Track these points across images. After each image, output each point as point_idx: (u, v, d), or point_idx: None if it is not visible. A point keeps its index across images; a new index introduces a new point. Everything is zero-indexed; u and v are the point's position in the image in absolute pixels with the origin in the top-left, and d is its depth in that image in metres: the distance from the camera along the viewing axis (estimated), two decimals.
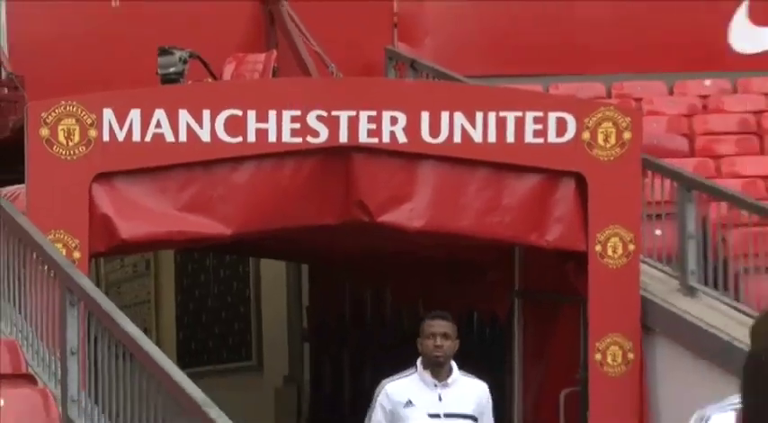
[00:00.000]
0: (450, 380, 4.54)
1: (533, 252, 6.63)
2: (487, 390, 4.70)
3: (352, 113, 5.96)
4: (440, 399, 4.49)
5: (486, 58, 9.84)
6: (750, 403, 1.50)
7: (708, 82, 9.54)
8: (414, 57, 8.99)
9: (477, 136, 6.10)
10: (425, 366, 4.54)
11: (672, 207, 6.61)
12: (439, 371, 4.54)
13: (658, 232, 6.59)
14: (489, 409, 4.69)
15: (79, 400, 4.05)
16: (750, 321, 2.91)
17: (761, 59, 9.87)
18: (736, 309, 6.07)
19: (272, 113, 5.88)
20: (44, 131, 5.56)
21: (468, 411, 4.52)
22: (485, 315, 7.46)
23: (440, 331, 4.55)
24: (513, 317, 6.92)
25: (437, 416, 4.47)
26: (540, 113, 6.21)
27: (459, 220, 6.10)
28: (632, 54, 9.82)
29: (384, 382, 4.61)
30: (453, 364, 4.63)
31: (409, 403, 4.45)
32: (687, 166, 7.65)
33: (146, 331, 5.97)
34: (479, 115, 6.10)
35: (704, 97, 9.36)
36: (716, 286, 6.29)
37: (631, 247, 6.19)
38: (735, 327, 5.78)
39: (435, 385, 4.52)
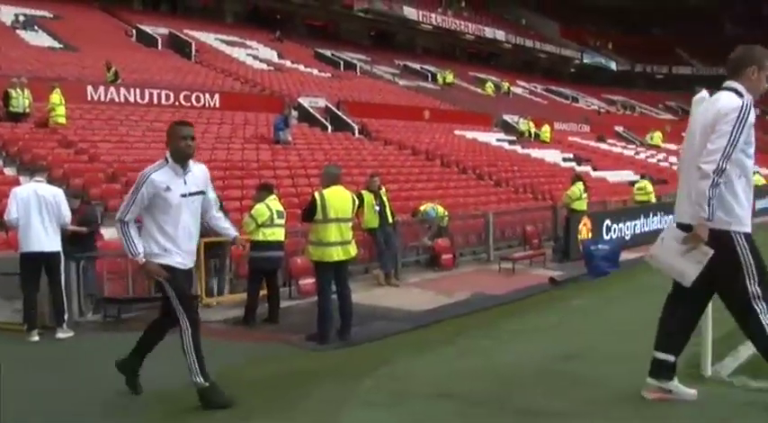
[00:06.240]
0: (189, 168, 5.50)
1: None
2: (206, 168, 5.74)
3: None
4: (185, 182, 5.47)
5: None
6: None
7: None
8: None
9: None
10: (176, 160, 5.44)
11: None
12: (185, 163, 5.48)
13: None
14: (210, 182, 5.75)
15: None
16: None
17: None
18: None
19: None
20: None
21: (201, 188, 5.59)
22: None
23: (190, 134, 5.49)
24: None
25: (185, 195, 5.47)
26: None
27: None
28: None
29: (147, 172, 5.42)
30: None
31: (168, 189, 5.38)
32: None
33: None
34: None
35: None
36: None
37: None
38: None
39: (183, 173, 5.46)
